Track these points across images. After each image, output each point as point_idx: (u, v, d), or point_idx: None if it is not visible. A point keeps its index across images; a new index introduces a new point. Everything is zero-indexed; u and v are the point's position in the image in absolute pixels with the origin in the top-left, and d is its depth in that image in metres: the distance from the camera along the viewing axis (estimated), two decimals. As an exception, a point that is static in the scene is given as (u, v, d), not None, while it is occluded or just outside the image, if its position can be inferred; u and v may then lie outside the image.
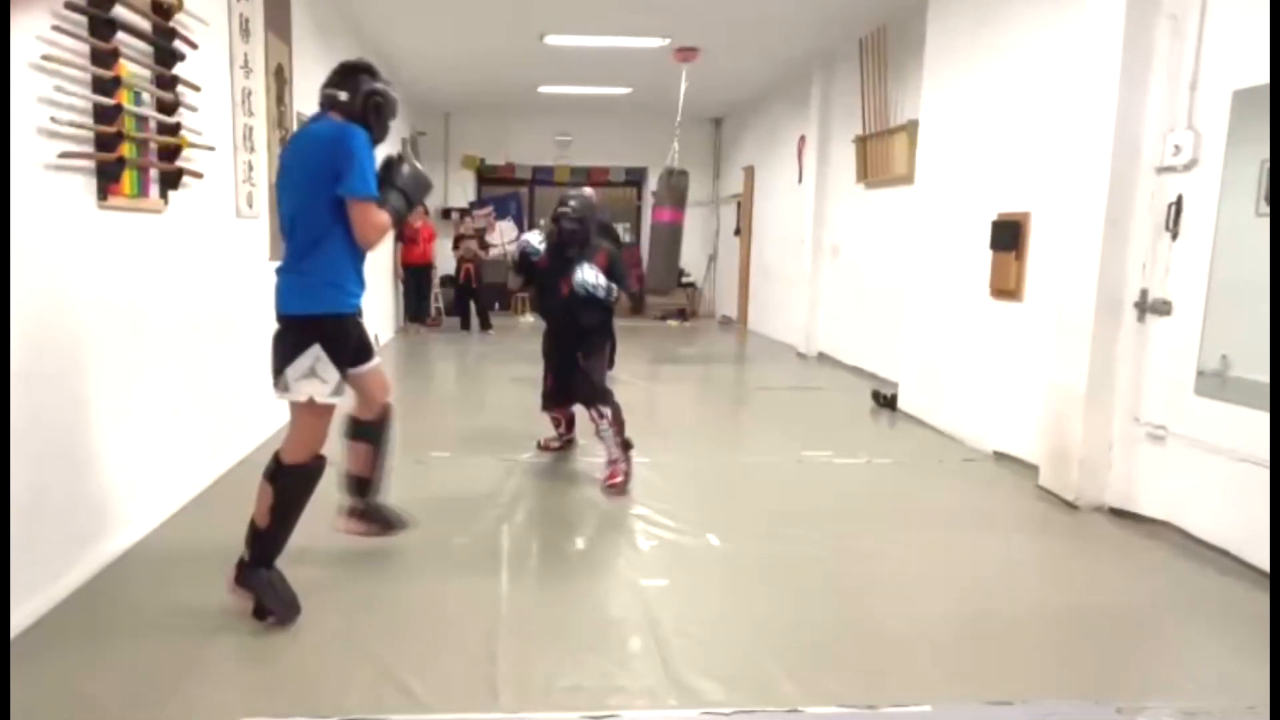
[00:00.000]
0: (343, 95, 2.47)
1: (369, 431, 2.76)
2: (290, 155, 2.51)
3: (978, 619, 2.69)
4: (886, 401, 5.81)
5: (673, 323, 11.32)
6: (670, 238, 7.60)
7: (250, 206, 4.31)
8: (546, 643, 2.45)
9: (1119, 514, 3.64)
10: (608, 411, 3.83)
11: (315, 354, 2.35)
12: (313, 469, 2.50)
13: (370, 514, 2.86)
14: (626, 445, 3.86)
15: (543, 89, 9.66)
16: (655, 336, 9.42)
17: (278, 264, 2.49)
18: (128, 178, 2.97)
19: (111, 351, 2.93)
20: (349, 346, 2.48)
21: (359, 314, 2.56)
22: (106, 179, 2.83)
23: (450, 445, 4.53)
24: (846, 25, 6.71)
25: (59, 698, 2.10)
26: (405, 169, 2.59)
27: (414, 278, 9.86)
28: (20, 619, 2.36)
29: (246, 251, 4.32)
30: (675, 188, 7.52)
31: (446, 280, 10.69)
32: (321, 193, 2.36)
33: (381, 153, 2.52)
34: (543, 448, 4.39)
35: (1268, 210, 3.00)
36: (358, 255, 2.48)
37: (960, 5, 5.00)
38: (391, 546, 2.98)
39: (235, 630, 2.46)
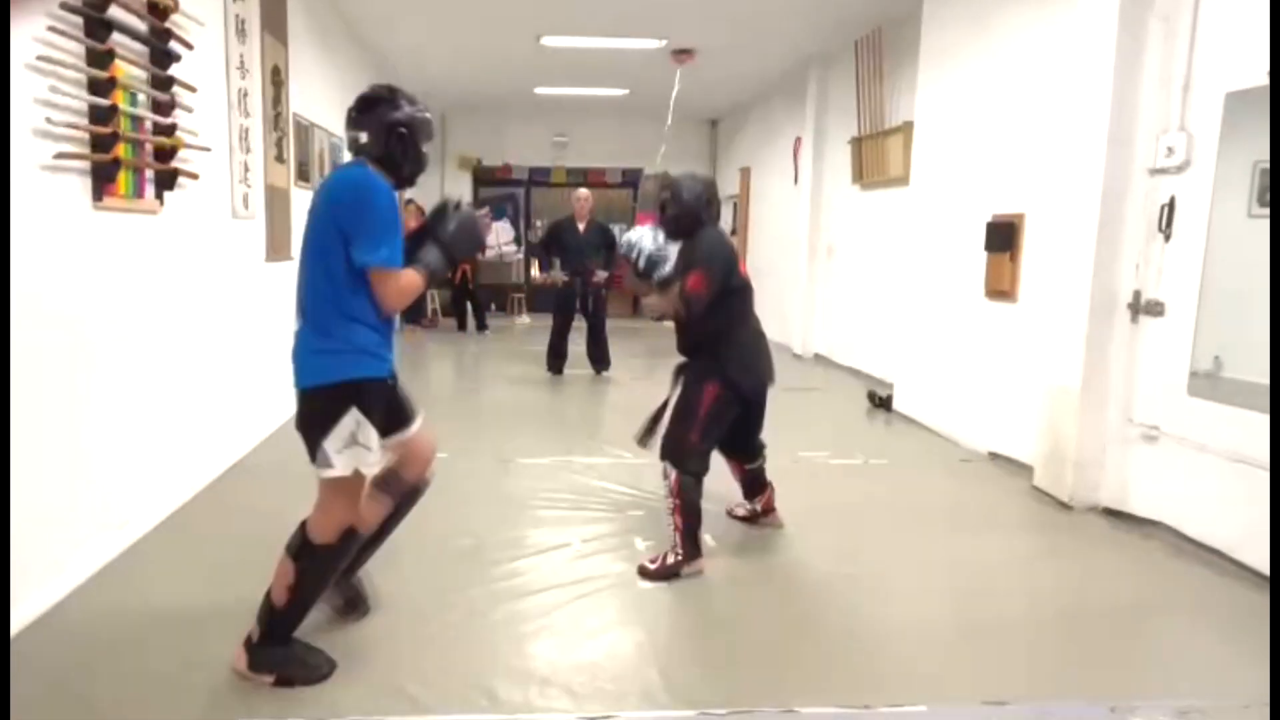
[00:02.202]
0: (363, 137, 2.18)
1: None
2: (311, 208, 2.19)
3: (973, 618, 2.70)
4: (882, 402, 5.82)
5: (669, 322, 11.32)
6: None
7: (246, 207, 4.30)
8: (542, 643, 2.45)
9: (1113, 514, 3.66)
10: (673, 475, 2.89)
11: (355, 419, 2.10)
12: (341, 548, 2.22)
13: (344, 583, 2.52)
14: (692, 543, 2.91)
15: (539, 90, 9.66)
16: (651, 336, 9.41)
17: (295, 329, 2.21)
18: (123, 178, 2.97)
19: (107, 352, 2.93)
20: (383, 411, 2.22)
21: (390, 381, 2.26)
22: (102, 180, 2.83)
23: (447, 445, 4.51)
24: (842, 27, 6.73)
25: (56, 697, 2.10)
26: (454, 224, 2.30)
27: (410, 279, 9.84)
28: (19, 618, 2.36)
29: (242, 252, 4.32)
30: (645, 193, 7.92)
31: (442, 281, 10.69)
32: (334, 252, 2.09)
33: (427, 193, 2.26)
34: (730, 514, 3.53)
35: (1260, 211, 3.02)
36: (385, 318, 2.21)
37: (955, 7, 5.01)
38: (387, 547, 2.98)
39: (233, 629, 2.46)
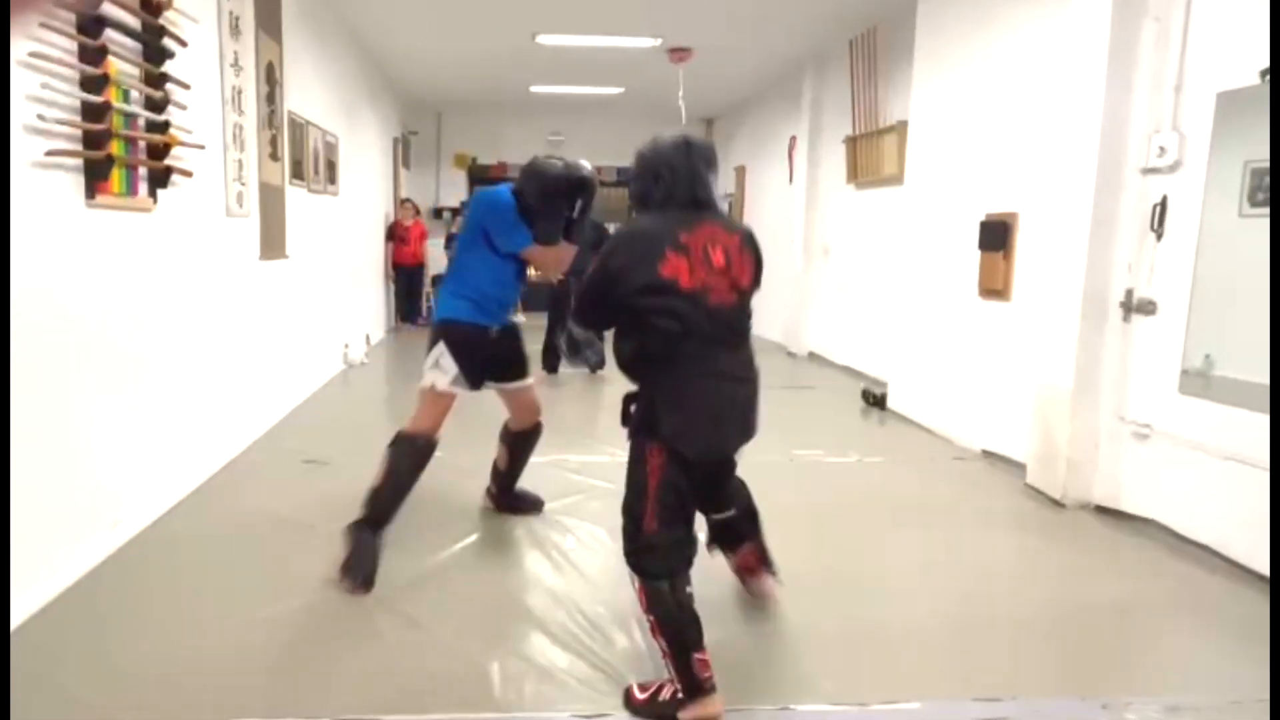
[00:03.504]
0: (528, 186, 2.98)
1: (512, 440, 3.43)
2: (468, 210, 3.21)
3: (966, 616, 2.71)
4: (876, 401, 5.84)
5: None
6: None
7: (240, 205, 4.29)
8: (540, 641, 2.46)
9: (1105, 512, 3.67)
10: (636, 584, 2.15)
11: (440, 350, 2.95)
12: (421, 445, 2.94)
13: (503, 498, 3.53)
14: (689, 673, 2.07)
15: (535, 88, 9.65)
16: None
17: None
18: (116, 176, 2.96)
19: (101, 351, 2.92)
20: (476, 355, 2.99)
21: (492, 332, 3.05)
22: (95, 177, 2.82)
23: (443, 444, 4.52)
24: (837, 26, 6.74)
25: (52, 697, 2.10)
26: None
27: (405, 277, 9.85)
28: (15, 616, 2.35)
29: (237, 251, 4.31)
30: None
31: (438, 280, 10.68)
32: (473, 236, 3.04)
33: None
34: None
35: (1251, 211, 3.04)
36: (502, 284, 3.04)
37: (950, 7, 5.03)
38: (384, 545, 2.99)
39: (229, 628, 2.46)
